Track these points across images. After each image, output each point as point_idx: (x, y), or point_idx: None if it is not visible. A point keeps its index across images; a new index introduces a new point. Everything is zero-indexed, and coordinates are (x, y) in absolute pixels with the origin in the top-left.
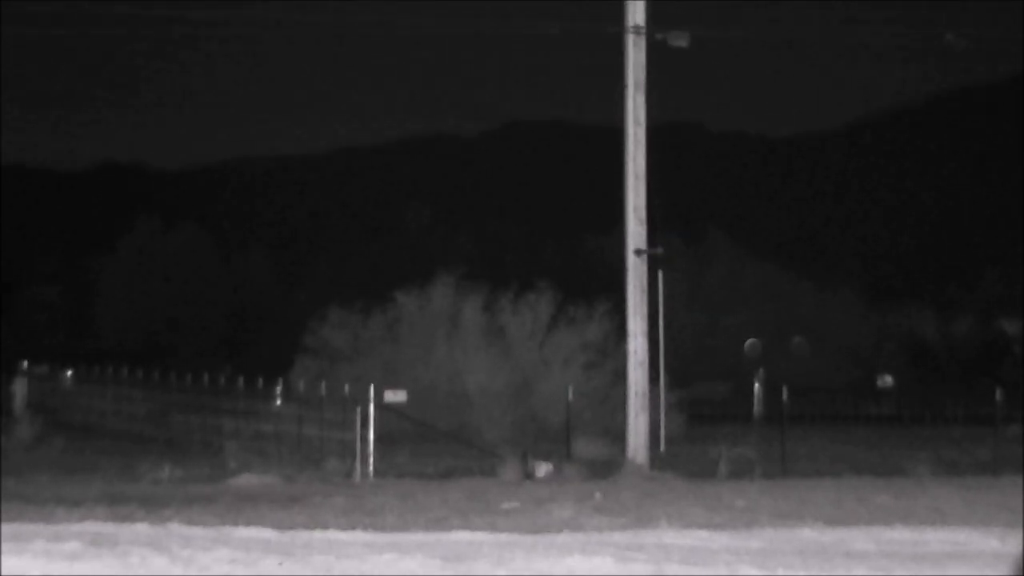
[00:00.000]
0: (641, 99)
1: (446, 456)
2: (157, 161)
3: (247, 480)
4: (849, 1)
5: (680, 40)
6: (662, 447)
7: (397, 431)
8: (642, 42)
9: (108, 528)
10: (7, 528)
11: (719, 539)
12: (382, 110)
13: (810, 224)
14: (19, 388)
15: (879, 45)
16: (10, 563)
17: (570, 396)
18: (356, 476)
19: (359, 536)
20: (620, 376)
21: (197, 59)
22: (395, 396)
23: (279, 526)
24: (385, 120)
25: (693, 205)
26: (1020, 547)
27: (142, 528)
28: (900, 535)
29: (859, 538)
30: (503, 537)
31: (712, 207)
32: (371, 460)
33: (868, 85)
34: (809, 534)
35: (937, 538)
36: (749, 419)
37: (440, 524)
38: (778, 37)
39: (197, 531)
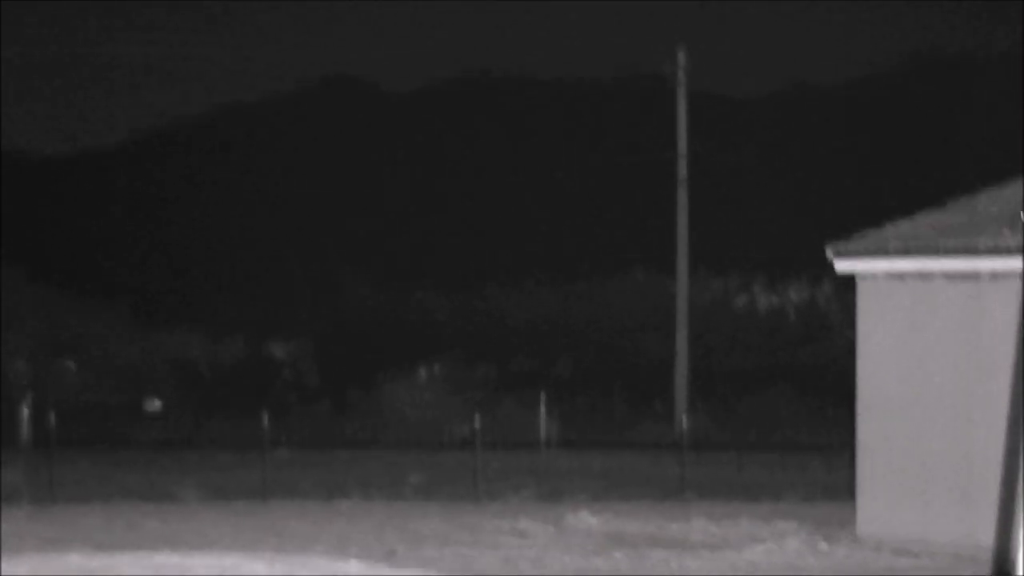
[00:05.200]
0: None
1: None
2: None
3: None
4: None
5: None
6: None
7: None
8: None
9: None
10: None
11: None
12: None
13: (80, 244)
14: None
15: (152, 62)
16: None
17: None
18: None
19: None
20: None
21: None
22: None
23: None
24: None
25: None
26: (296, 571)
27: None
28: (168, 560)
29: (127, 563)
30: None
31: None
32: None
33: (143, 102)
34: (77, 560)
35: (204, 563)
36: (15, 443)
37: None
38: (50, 54)
39: None
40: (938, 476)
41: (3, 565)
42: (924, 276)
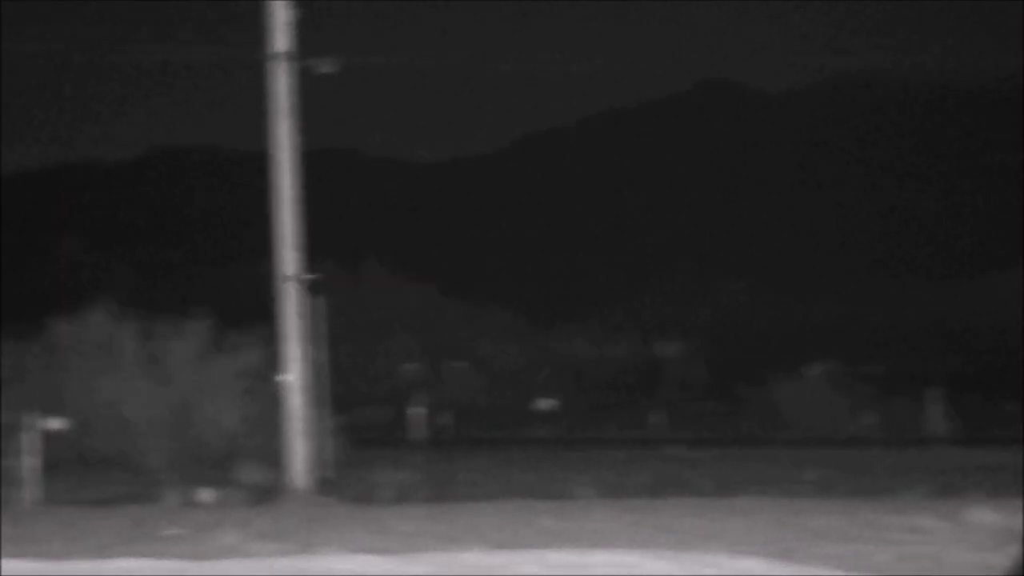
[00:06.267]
0: (290, 125)
1: (109, 483)
2: None
3: None
4: (506, 28)
5: (328, 66)
6: (326, 472)
7: (59, 459)
8: (290, 68)
9: None
10: None
11: (384, 564)
12: (24, 138)
13: (465, 248)
14: None
15: (530, 70)
16: None
17: (231, 422)
18: (17, 504)
19: (24, 565)
20: (280, 401)
21: None
22: (55, 423)
23: None
24: (26, 148)
25: (348, 230)
26: (697, 569)
27: None
28: (565, 558)
29: (524, 561)
30: (167, 564)
31: (367, 231)
32: (33, 488)
33: (522, 109)
34: (474, 558)
35: (602, 560)
36: (413, 443)
37: (103, 551)
38: (425, 62)
39: None
40: None
41: (401, 563)
42: None
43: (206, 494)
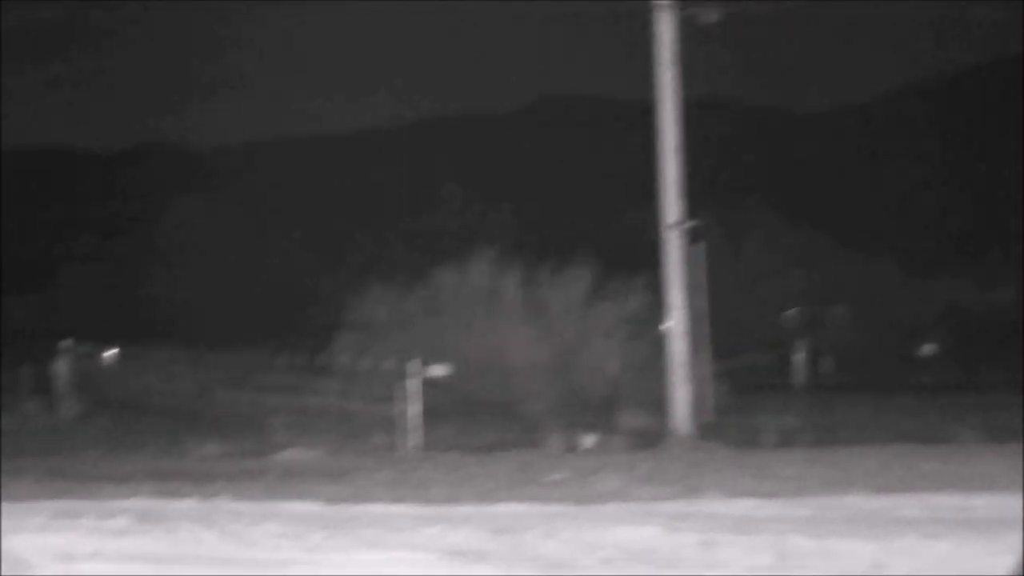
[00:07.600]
0: (673, 74)
1: (490, 429)
2: (194, 140)
3: (293, 455)
4: None
5: (710, 15)
6: (707, 417)
7: (440, 405)
8: (673, 17)
9: (156, 504)
10: (56, 505)
11: (767, 507)
12: (411, 89)
13: (847, 194)
14: (63, 366)
15: (912, 17)
16: (58, 540)
17: (613, 368)
18: (401, 450)
19: (407, 509)
20: (661, 348)
21: (225, 40)
22: (438, 370)
23: (327, 500)
24: (415, 99)
25: (729, 177)
26: None
27: (190, 504)
28: (948, 501)
29: (907, 504)
30: (551, 508)
31: (748, 179)
32: (416, 434)
33: (902, 57)
34: (857, 501)
35: (986, 503)
36: (793, 388)
37: (487, 496)
38: (809, 11)
39: (245, 506)
40: None
41: (785, 506)
42: None
43: (588, 439)
